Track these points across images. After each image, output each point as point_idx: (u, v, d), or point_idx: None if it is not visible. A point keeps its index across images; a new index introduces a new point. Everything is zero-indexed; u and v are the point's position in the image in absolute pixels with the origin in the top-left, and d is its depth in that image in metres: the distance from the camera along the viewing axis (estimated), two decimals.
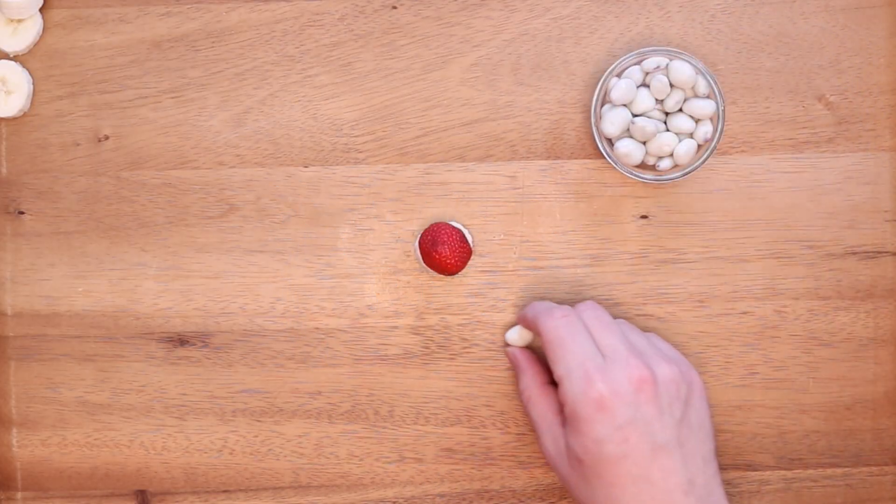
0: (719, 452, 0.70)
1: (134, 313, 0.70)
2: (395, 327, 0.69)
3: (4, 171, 0.70)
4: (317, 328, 0.69)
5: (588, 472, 0.61)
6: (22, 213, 0.70)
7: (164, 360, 0.70)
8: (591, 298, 0.69)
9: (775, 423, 0.70)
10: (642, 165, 0.68)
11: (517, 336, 0.68)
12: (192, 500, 0.70)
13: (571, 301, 0.69)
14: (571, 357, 0.62)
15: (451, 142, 0.69)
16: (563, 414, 0.63)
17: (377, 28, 0.69)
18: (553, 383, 0.66)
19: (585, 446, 0.60)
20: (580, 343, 0.62)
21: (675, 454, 0.60)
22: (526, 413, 0.67)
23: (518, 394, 0.68)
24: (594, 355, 0.62)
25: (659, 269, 0.69)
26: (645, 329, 0.69)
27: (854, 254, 0.69)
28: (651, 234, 0.69)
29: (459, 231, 0.67)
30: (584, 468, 0.61)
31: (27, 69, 0.69)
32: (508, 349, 0.68)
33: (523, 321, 0.67)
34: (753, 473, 0.70)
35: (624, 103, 0.66)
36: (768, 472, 0.70)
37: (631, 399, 0.60)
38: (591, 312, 0.64)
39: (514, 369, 0.68)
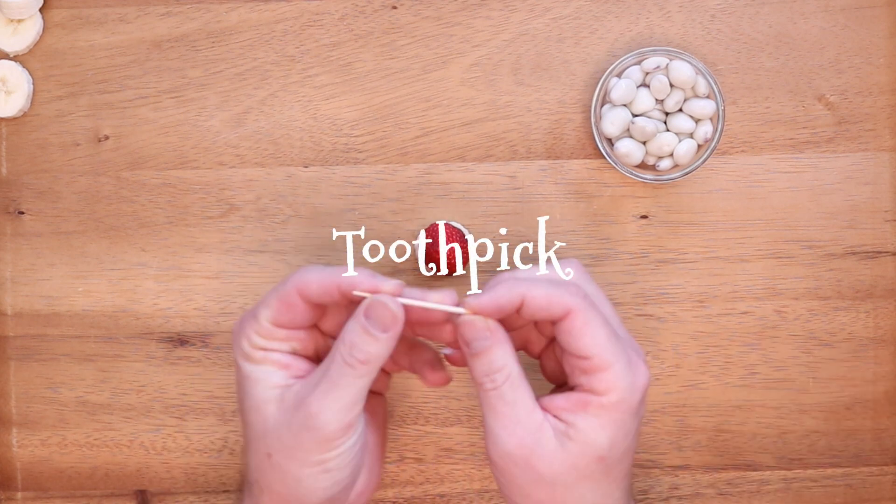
0: (719, 452, 0.70)
1: (134, 313, 0.70)
2: None
3: (4, 171, 0.70)
4: None
5: (602, 470, 0.55)
6: (22, 213, 0.70)
7: (164, 360, 0.70)
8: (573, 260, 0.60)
9: (775, 423, 0.70)
10: (642, 165, 0.68)
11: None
12: (192, 500, 0.70)
13: None
14: (614, 342, 0.55)
15: (451, 142, 0.69)
16: (582, 406, 0.55)
17: (377, 28, 0.69)
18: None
19: (622, 443, 0.55)
20: (610, 326, 0.56)
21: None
22: (497, 395, 0.55)
23: (483, 372, 0.55)
24: (626, 341, 0.57)
25: (659, 269, 0.69)
26: (644, 329, 0.69)
27: (854, 254, 0.69)
28: (651, 234, 0.69)
29: (459, 231, 0.67)
30: (603, 465, 0.55)
31: (27, 69, 0.69)
32: (476, 320, 0.55)
33: (516, 296, 0.55)
34: (753, 473, 0.70)
35: (624, 103, 0.66)
36: (768, 472, 0.70)
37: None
38: (591, 287, 0.58)
39: (482, 340, 0.55)
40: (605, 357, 0.55)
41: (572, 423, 0.56)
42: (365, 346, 0.55)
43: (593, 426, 0.55)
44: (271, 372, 0.57)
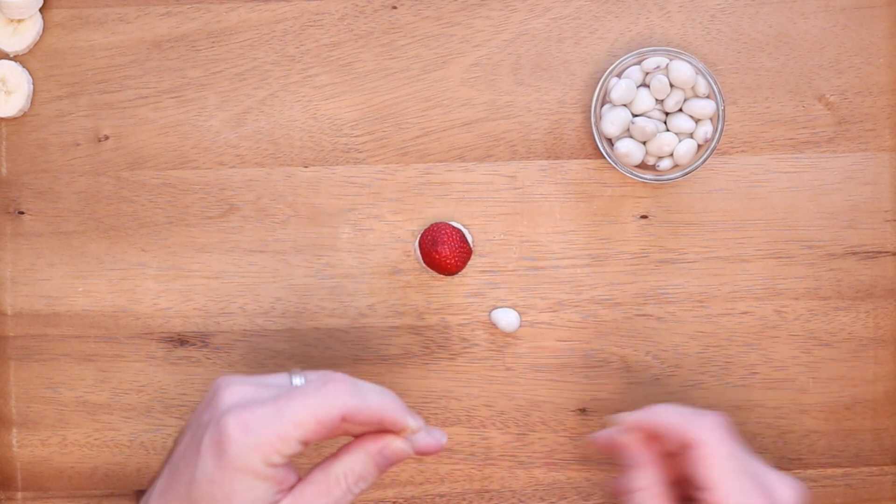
0: None
1: (134, 313, 0.70)
2: (396, 327, 0.69)
3: (4, 171, 0.70)
4: (317, 328, 0.69)
5: None
6: (22, 213, 0.70)
7: (164, 360, 0.70)
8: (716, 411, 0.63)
9: (775, 423, 0.70)
10: (642, 165, 0.68)
11: (505, 320, 0.67)
12: None
13: (571, 299, 0.69)
14: (739, 478, 0.57)
15: (451, 142, 0.69)
16: None
17: (377, 28, 0.69)
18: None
19: None
20: (738, 462, 0.58)
21: None
22: None
23: (624, 489, 0.61)
24: (762, 483, 0.59)
25: (659, 269, 0.69)
26: (644, 329, 0.69)
27: (854, 254, 0.69)
28: (651, 234, 0.69)
29: (459, 231, 0.67)
30: None
31: (27, 69, 0.69)
32: (616, 435, 0.62)
33: (657, 425, 0.60)
34: None
35: (624, 103, 0.66)
36: None
37: None
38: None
39: (623, 458, 0.61)
40: (723, 492, 0.57)
41: None
42: (370, 479, 0.56)
43: None
44: (268, 489, 0.54)
